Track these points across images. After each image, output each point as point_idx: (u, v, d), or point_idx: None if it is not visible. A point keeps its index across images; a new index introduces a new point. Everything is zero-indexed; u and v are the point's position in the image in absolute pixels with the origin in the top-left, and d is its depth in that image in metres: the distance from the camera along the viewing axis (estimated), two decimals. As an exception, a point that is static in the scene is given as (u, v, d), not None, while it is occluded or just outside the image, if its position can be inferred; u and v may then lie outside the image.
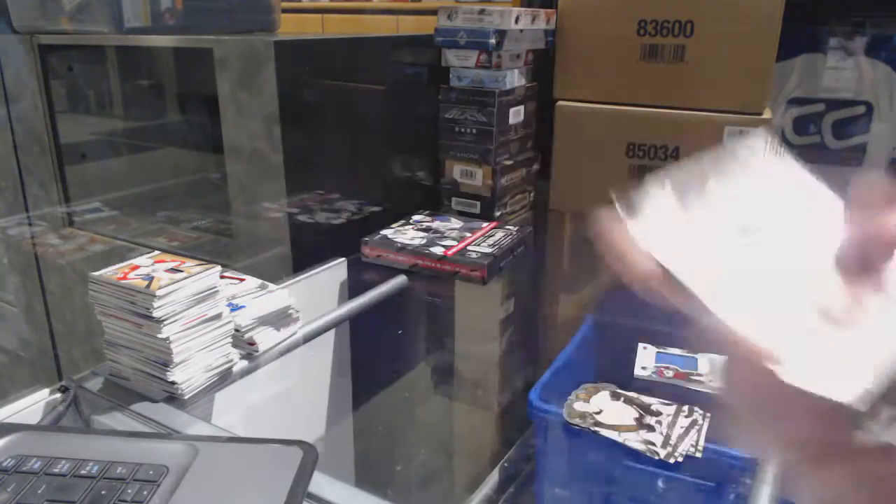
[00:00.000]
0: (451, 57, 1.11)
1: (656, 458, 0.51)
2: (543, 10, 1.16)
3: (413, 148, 1.14)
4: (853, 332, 0.22)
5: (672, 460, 0.51)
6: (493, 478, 0.57)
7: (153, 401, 0.58)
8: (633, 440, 0.52)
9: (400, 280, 0.89)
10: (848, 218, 0.24)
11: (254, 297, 0.69)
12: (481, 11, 1.06)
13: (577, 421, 0.53)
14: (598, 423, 0.54)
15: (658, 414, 0.56)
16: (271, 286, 0.72)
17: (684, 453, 0.51)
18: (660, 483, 0.52)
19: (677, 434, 0.53)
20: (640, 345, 0.73)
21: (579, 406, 0.56)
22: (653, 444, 0.52)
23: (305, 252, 0.94)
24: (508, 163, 1.14)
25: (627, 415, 0.56)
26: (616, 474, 0.53)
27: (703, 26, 1.05)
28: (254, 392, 0.66)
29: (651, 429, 0.54)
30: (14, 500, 0.41)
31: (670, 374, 0.66)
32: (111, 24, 1.01)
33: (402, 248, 0.92)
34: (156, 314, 0.55)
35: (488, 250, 0.90)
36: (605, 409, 0.56)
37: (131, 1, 1.01)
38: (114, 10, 1.00)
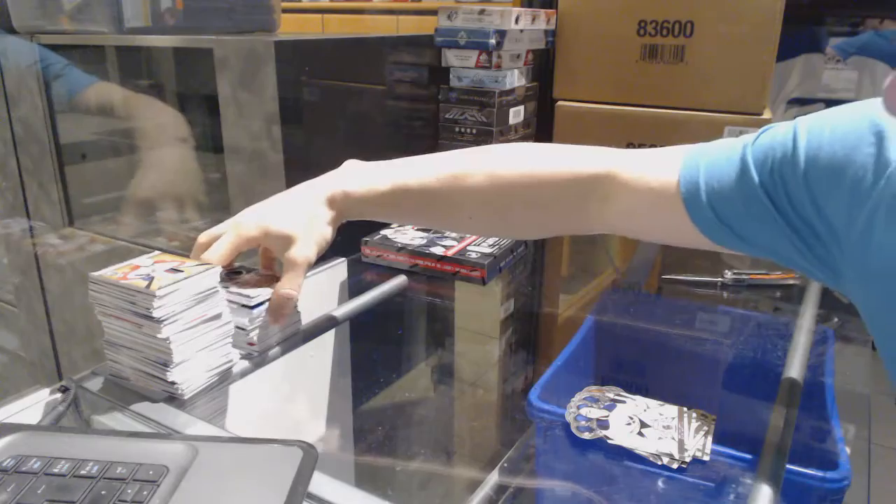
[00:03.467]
0: (451, 57, 1.11)
1: (662, 463, 0.51)
2: (543, 10, 1.16)
3: (413, 148, 1.14)
4: None
5: (676, 465, 0.51)
6: (493, 478, 0.56)
7: (153, 401, 0.58)
8: (643, 448, 0.53)
9: (400, 280, 0.89)
10: None
11: (254, 297, 0.69)
12: (481, 11, 1.06)
13: (586, 436, 0.53)
14: (605, 434, 0.54)
15: (663, 417, 0.56)
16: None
17: (691, 457, 0.51)
18: (660, 483, 0.52)
19: (686, 440, 0.53)
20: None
21: (586, 412, 0.56)
22: (663, 453, 0.52)
23: (305, 252, 0.93)
24: (508, 163, 1.13)
25: (634, 422, 0.56)
26: (616, 474, 0.53)
27: (703, 26, 1.05)
28: (254, 392, 0.66)
29: (659, 436, 0.54)
30: (14, 500, 0.41)
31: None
32: (111, 24, 1.01)
33: (402, 248, 0.92)
34: (156, 314, 0.55)
35: (488, 250, 0.90)
36: (610, 415, 0.56)
37: (131, 1, 1.01)
38: (114, 10, 1.00)
